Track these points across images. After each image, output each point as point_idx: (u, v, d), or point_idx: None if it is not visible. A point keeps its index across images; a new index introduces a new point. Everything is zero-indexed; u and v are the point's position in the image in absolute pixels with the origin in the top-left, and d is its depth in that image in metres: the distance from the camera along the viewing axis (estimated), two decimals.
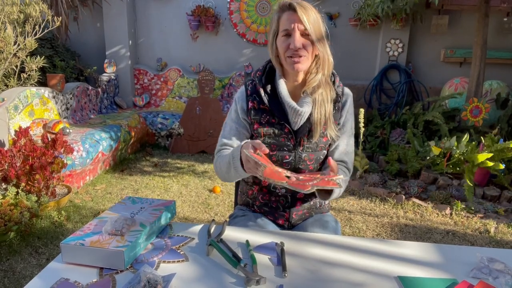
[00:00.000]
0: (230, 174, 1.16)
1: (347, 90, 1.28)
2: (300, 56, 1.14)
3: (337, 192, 1.16)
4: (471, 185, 2.89)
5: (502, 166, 2.89)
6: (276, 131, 1.22)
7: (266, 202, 1.32)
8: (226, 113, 4.65)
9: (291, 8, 1.13)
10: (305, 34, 1.13)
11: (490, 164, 2.89)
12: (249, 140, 1.02)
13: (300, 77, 1.20)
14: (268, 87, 1.23)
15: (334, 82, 1.24)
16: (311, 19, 1.12)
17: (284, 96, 1.20)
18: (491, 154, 2.89)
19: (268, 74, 1.26)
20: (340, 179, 0.98)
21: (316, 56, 1.19)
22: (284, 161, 1.24)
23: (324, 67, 1.19)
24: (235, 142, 1.26)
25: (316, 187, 0.92)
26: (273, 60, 1.22)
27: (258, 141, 1.00)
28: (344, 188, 1.25)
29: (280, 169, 1.00)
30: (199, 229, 1.11)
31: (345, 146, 1.28)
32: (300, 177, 0.99)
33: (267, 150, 0.97)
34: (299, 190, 0.90)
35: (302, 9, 1.11)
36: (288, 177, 0.96)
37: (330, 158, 1.02)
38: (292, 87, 1.24)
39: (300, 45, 1.12)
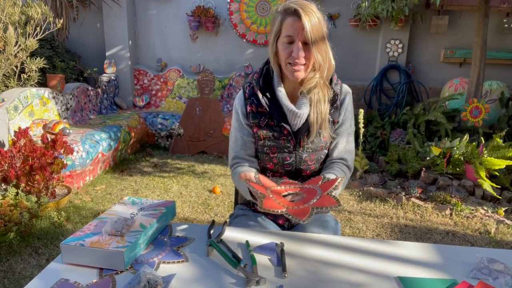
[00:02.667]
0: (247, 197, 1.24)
1: (345, 87, 1.28)
2: (300, 65, 1.13)
3: (338, 191, 1.16)
4: (489, 184, 2.90)
5: (508, 162, 2.88)
6: (276, 133, 1.22)
7: None
8: (226, 114, 4.66)
9: (296, 14, 1.10)
10: (306, 42, 1.12)
11: (496, 162, 2.90)
12: (247, 174, 1.10)
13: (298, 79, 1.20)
14: (266, 90, 1.23)
15: (331, 80, 1.24)
16: (314, 27, 1.10)
17: (282, 98, 1.20)
18: (509, 162, 2.89)
19: (266, 76, 1.25)
20: (338, 186, 1.03)
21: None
22: (285, 162, 1.25)
23: (322, 70, 1.18)
24: (244, 153, 1.29)
25: (316, 209, 0.93)
26: (271, 60, 1.21)
27: (249, 175, 1.07)
28: (345, 185, 1.27)
29: (282, 187, 1.06)
30: (199, 229, 1.11)
31: (345, 144, 1.29)
32: (301, 190, 1.03)
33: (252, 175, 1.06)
34: (297, 220, 0.90)
35: (307, 17, 1.09)
36: (293, 198, 1.02)
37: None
38: (290, 88, 1.24)
39: (302, 54, 1.12)
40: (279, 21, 1.15)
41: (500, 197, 2.91)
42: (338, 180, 1.04)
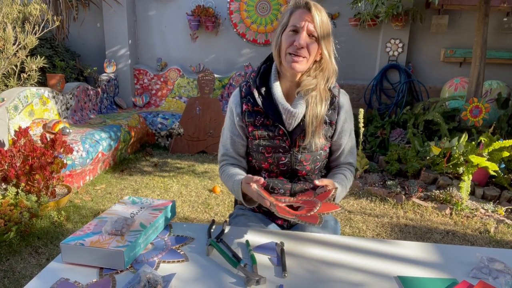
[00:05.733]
0: (236, 196, 1.24)
1: (343, 92, 1.28)
2: (300, 56, 1.13)
3: (341, 196, 1.19)
4: (468, 184, 2.90)
5: (496, 167, 2.89)
6: (271, 133, 1.22)
7: None
8: (225, 113, 4.66)
9: (306, 6, 1.13)
10: (312, 36, 1.13)
11: (488, 164, 2.90)
12: (245, 177, 1.11)
13: (296, 77, 1.20)
14: (263, 89, 1.22)
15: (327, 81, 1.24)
16: (323, 23, 1.13)
17: (278, 97, 1.20)
18: (484, 159, 2.90)
19: (263, 76, 1.25)
20: (335, 195, 1.09)
21: (317, 61, 1.19)
22: (280, 162, 1.24)
23: (324, 73, 1.18)
24: (233, 152, 1.31)
25: (322, 215, 0.98)
26: (274, 53, 1.21)
27: (251, 177, 1.08)
28: (350, 185, 1.28)
29: (280, 198, 1.10)
30: (199, 229, 1.11)
31: (349, 148, 1.30)
32: (297, 203, 1.09)
33: (263, 181, 1.06)
34: (311, 225, 0.96)
35: (317, 11, 1.12)
36: (293, 208, 1.07)
37: (315, 182, 1.11)
38: (287, 87, 1.23)
39: (304, 44, 1.12)
40: (288, 14, 1.17)
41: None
42: (332, 192, 1.09)
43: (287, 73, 1.20)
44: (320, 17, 1.12)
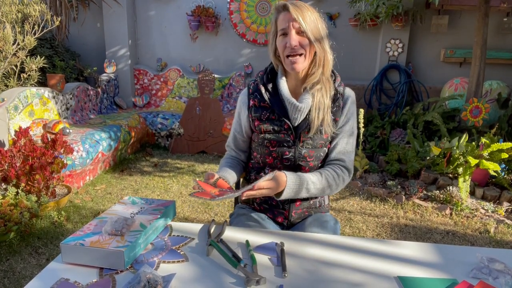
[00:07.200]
0: None
1: (348, 90, 1.30)
2: (297, 55, 1.17)
3: (288, 192, 1.16)
4: (467, 185, 2.90)
5: (498, 167, 2.89)
6: (276, 127, 1.25)
7: (265, 200, 1.34)
8: (226, 113, 4.66)
9: (285, 8, 1.17)
10: (301, 32, 1.16)
11: (488, 165, 2.90)
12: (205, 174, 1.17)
13: (301, 74, 1.24)
14: (270, 85, 1.27)
15: (334, 81, 1.27)
16: (307, 18, 1.15)
17: (284, 93, 1.23)
18: (476, 160, 2.90)
19: (270, 74, 1.30)
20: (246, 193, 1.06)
21: (315, 53, 1.21)
22: (284, 157, 1.26)
23: (322, 65, 1.21)
24: (232, 145, 1.42)
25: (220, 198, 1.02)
26: (272, 59, 1.27)
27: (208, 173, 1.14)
28: (343, 186, 1.29)
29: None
30: (199, 229, 1.11)
31: (344, 145, 1.29)
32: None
33: (215, 176, 1.13)
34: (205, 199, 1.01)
35: (296, 8, 1.15)
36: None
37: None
38: (293, 85, 1.27)
39: (296, 43, 1.15)
40: (274, 21, 1.22)
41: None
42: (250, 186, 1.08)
43: (291, 72, 1.24)
44: (301, 14, 1.15)
